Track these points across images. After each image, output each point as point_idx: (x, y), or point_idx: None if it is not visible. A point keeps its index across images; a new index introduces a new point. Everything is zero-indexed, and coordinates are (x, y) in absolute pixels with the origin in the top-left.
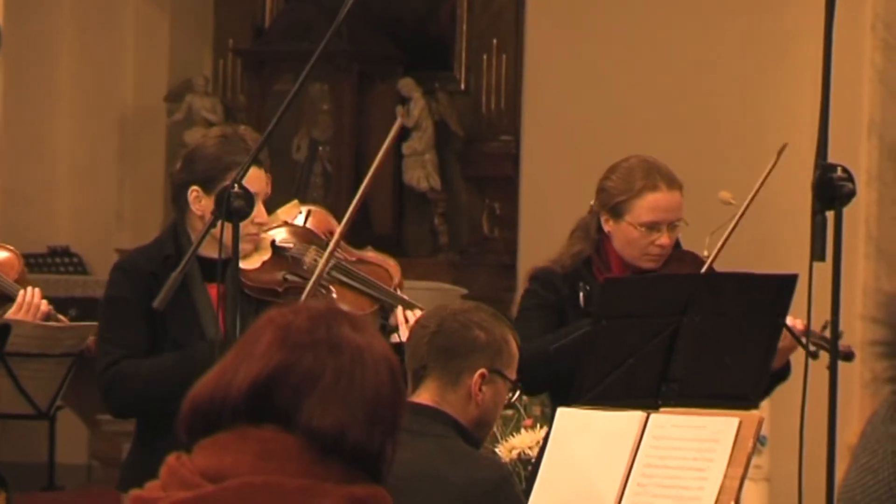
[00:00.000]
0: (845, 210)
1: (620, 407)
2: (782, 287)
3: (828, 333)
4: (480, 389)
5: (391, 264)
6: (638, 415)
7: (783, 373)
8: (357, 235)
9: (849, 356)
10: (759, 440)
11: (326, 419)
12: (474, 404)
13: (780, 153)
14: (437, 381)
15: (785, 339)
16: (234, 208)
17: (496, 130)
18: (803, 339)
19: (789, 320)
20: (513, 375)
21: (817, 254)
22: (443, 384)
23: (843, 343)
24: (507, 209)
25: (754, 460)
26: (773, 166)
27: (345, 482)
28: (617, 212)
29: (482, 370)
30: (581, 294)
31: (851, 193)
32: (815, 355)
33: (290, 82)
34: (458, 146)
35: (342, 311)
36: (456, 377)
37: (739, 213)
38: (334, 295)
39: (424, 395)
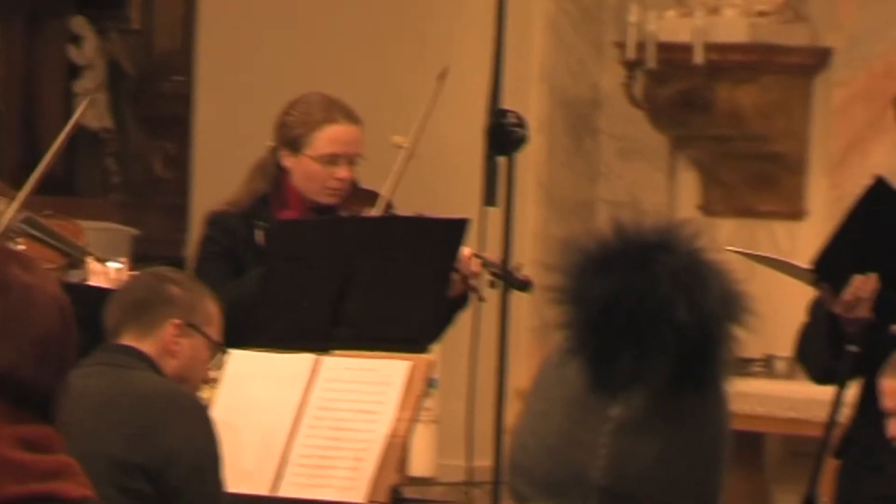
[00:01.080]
0: (517, 156)
1: (292, 350)
2: (453, 231)
3: (512, 268)
4: (176, 341)
5: (77, 223)
6: (309, 357)
7: (461, 302)
8: (28, 174)
9: (526, 285)
10: (430, 383)
11: None
12: (170, 355)
13: (441, 78)
14: (133, 333)
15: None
16: None
17: (169, 70)
18: (492, 272)
19: (466, 251)
20: (214, 335)
21: (489, 199)
22: (139, 336)
23: (522, 274)
24: (179, 150)
25: (424, 403)
26: (436, 93)
27: (13, 422)
28: (296, 145)
29: (175, 321)
30: (258, 233)
31: (523, 139)
32: (493, 287)
33: None
34: (130, 86)
35: (11, 251)
36: (150, 328)
37: (409, 148)
38: (22, 248)
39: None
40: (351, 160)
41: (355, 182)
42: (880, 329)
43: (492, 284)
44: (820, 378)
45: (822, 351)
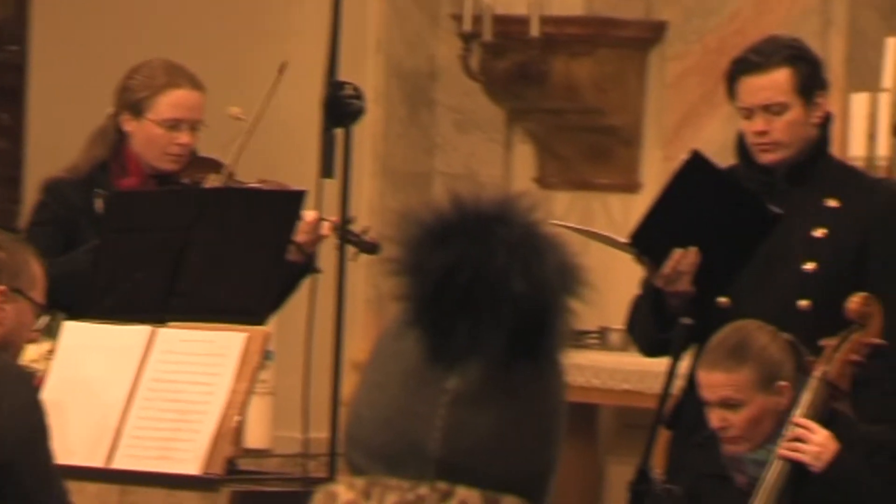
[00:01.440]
0: (354, 127)
1: (128, 321)
2: (290, 203)
3: (359, 231)
4: (1, 307)
5: None
6: (145, 329)
7: (304, 269)
8: None
9: (375, 247)
10: (266, 355)
11: None
12: None
13: (280, 71)
14: None
15: (304, 235)
16: None
17: (2, 40)
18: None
19: (312, 215)
20: (38, 298)
21: (326, 171)
22: None
23: (369, 237)
24: (13, 121)
25: (260, 375)
26: (275, 85)
27: None
28: (138, 109)
29: (0, 287)
30: (97, 201)
31: (360, 111)
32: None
33: None
34: None
35: None
36: None
37: (247, 130)
38: None
39: None
40: (193, 126)
41: (194, 150)
42: (708, 302)
43: (339, 248)
44: (647, 351)
45: (648, 324)
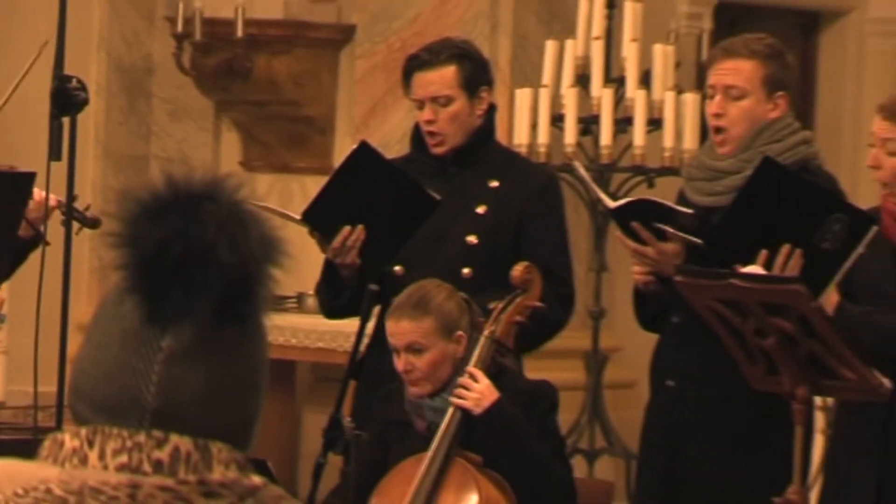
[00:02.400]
0: (79, 116)
1: None
2: (21, 183)
3: (82, 209)
4: None
5: None
6: None
7: (37, 239)
8: None
9: (96, 222)
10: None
11: None
12: None
13: (40, 52)
14: None
15: (33, 213)
16: None
17: None
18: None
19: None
20: None
21: (54, 154)
22: None
23: (90, 214)
24: None
25: None
26: (32, 64)
27: None
28: None
29: None
30: None
31: (85, 102)
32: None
33: None
34: None
35: None
36: None
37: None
38: None
39: None
40: None
41: None
42: (376, 272)
43: (65, 223)
44: (326, 313)
45: (325, 290)
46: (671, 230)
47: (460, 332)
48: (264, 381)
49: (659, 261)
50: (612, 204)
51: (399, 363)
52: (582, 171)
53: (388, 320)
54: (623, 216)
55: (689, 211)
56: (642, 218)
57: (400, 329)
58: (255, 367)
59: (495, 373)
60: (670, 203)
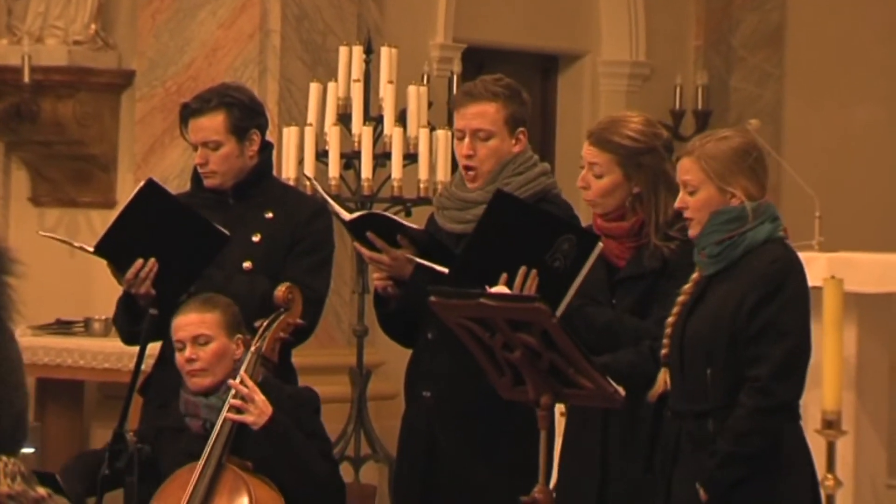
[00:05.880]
0: None
1: None
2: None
3: None
4: None
5: None
6: None
7: None
8: None
9: None
10: None
11: None
12: None
13: None
14: None
15: None
16: None
17: None
18: None
19: None
20: None
21: None
22: None
23: None
24: None
25: None
26: None
27: None
28: None
29: None
30: None
31: None
32: None
33: None
34: None
35: None
36: None
37: None
38: None
39: None
40: None
41: None
42: (170, 300)
43: None
44: (125, 340)
45: (123, 318)
46: (425, 262)
47: (240, 336)
48: (23, 377)
49: (393, 266)
50: (347, 216)
51: (181, 357)
52: (319, 189)
53: (175, 319)
54: (358, 228)
55: (417, 227)
56: (376, 230)
57: (188, 321)
58: (13, 367)
59: (261, 383)
60: (398, 218)
